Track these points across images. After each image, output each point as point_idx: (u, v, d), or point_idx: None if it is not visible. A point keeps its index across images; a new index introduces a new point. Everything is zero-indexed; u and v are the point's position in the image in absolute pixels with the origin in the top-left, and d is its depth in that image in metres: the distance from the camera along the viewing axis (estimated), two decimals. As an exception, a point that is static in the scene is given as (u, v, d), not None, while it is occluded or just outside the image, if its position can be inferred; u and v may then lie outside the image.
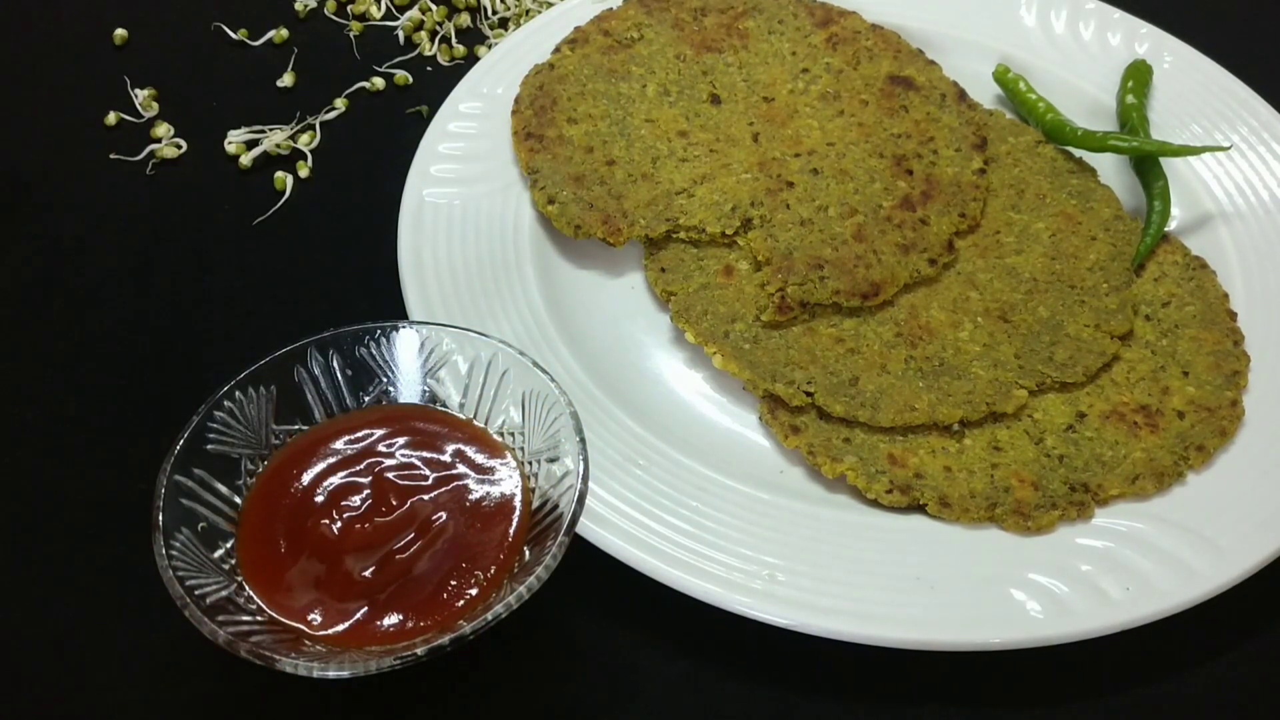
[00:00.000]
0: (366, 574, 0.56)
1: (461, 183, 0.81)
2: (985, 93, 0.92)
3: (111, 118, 0.90)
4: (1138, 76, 0.91)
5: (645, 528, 0.64)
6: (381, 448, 0.61)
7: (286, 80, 0.94)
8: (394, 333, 0.65)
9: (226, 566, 0.57)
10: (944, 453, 0.69)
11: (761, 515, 0.66)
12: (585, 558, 0.62)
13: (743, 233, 0.78)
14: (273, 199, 0.86)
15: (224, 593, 0.55)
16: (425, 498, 0.59)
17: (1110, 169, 0.87)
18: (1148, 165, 0.85)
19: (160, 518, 0.55)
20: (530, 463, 0.62)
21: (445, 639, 0.53)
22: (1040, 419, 0.72)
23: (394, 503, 0.59)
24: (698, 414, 0.73)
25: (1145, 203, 0.84)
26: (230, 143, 0.89)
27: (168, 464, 0.57)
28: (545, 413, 0.61)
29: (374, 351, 0.65)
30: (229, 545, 0.58)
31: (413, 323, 0.66)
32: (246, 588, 0.56)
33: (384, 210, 0.80)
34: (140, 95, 0.91)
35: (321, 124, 0.91)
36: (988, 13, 0.98)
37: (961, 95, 0.87)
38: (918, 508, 0.67)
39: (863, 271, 0.76)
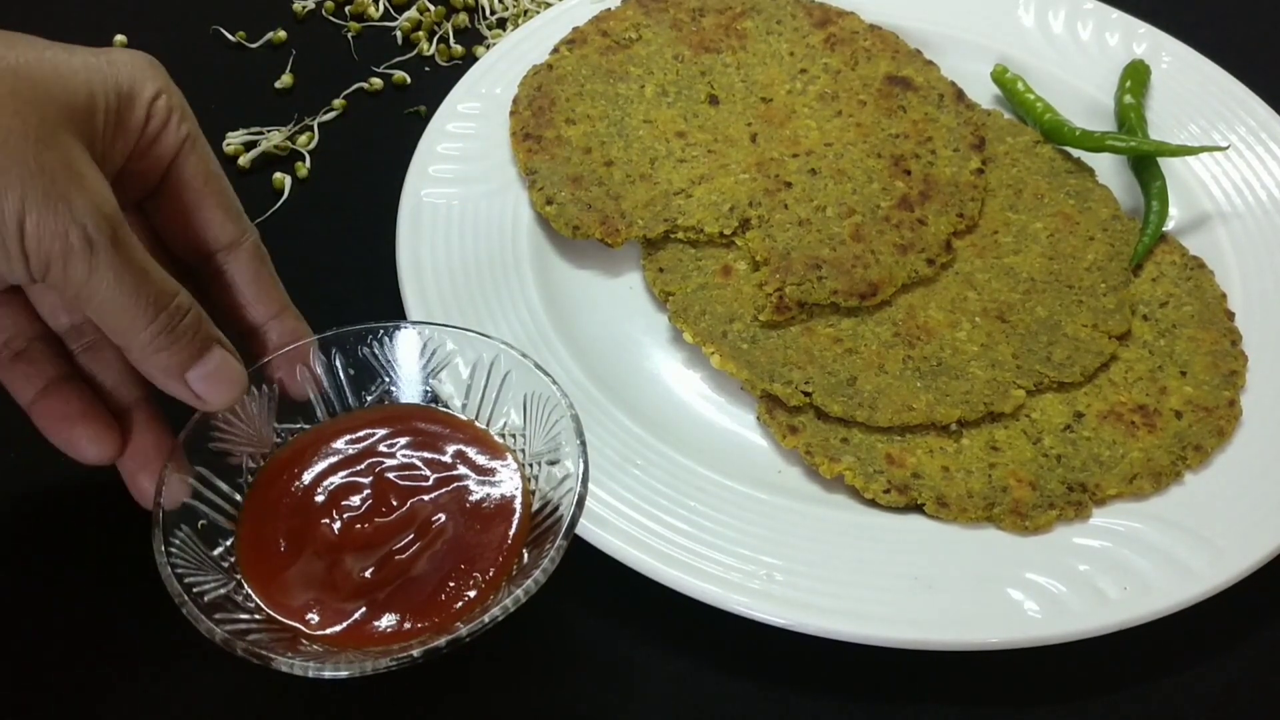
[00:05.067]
0: (365, 574, 0.56)
1: (459, 183, 0.82)
2: (983, 93, 0.92)
3: (110, 119, 0.90)
4: (1136, 76, 0.91)
5: (643, 527, 0.64)
6: (383, 448, 0.61)
7: (285, 81, 0.95)
8: (397, 332, 0.65)
9: (225, 564, 0.57)
10: (942, 453, 0.69)
11: (759, 515, 0.66)
12: (583, 557, 0.62)
13: (741, 233, 0.79)
14: (271, 199, 0.86)
15: (222, 590, 0.55)
16: (425, 498, 0.59)
17: (1108, 169, 0.87)
18: (1145, 165, 0.85)
19: (160, 514, 0.55)
20: (531, 465, 0.62)
21: (441, 641, 0.53)
22: (1038, 419, 0.72)
23: (394, 503, 0.59)
24: (696, 414, 0.73)
25: (1143, 202, 0.84)
26: (229, 144, 0.89)
27: (168, 460, 0.57)
28: (547, 415, 0.61)
29: (377, 351, 0.65)
30: (228, 543, 0.58)
31: (415, 323, 0.66)
32: (245, 586, 0.56)
33: (382, 210, 0.80)
34: (139, 96, 0.91)
35: (320, 125, 0.91)
36: (986, 13, 0.98)
37: (959, 95, 0.87)
38: (915, 507, 0.67)
39: (860, 271, 0.76)
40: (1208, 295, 0.78)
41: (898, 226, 0.79)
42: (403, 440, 0.62)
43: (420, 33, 0.99)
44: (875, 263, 0.77)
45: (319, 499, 0.59)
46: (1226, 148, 0.86)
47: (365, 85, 0.95)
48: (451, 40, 0.99)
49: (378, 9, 1.01)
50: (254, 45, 0.98)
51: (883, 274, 0.76)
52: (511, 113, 0.86)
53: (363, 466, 0.60)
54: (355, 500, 0.59)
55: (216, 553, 0.57)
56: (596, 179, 0.81)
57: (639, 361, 0.76)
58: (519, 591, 0.54)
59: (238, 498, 0.60)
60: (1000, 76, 0.92)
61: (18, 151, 0.48)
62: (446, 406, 0.64)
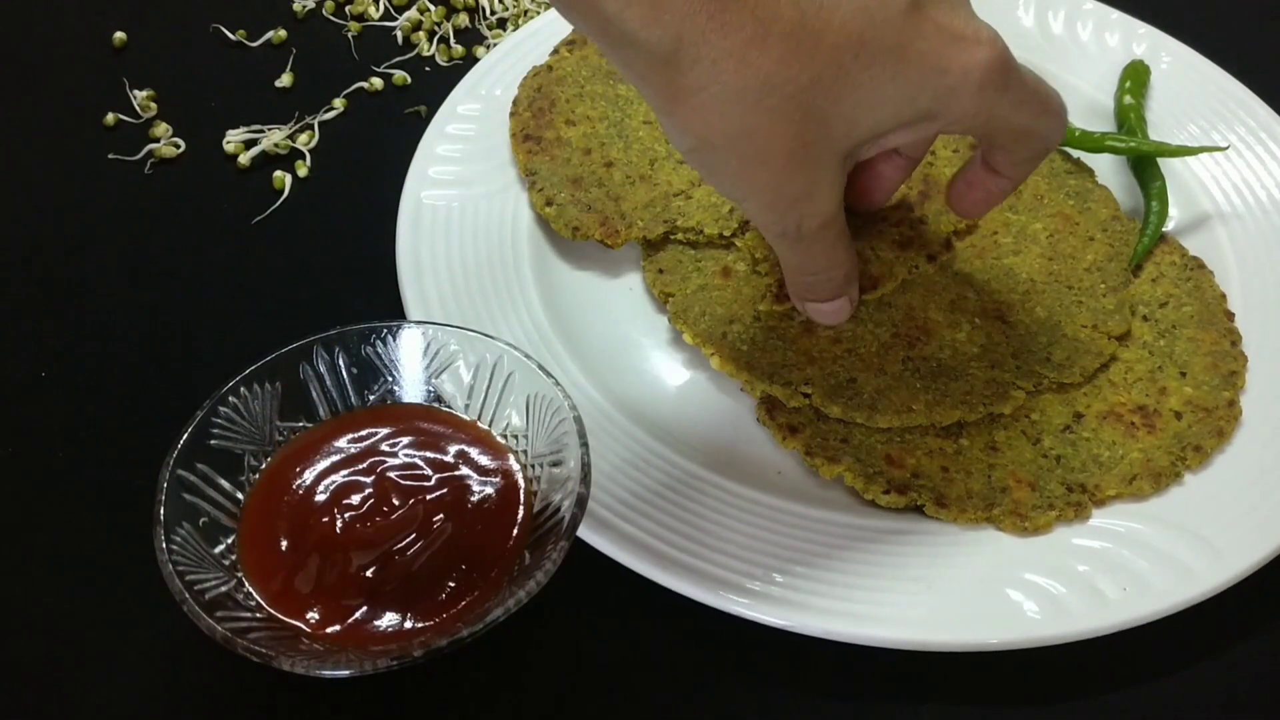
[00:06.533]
0: (367, 573, 0.57)
1: (459, 184, 0.82)
2: (983, 94, 0.92)
3: (110, 118, 0.90)
4: (1135, 77, 0.92)
5: (643, 528, 0.64)
6: (385, 447, 0.62)
7: (285, 80, 0.95)
8: (400, 332, 0.65)
9: (227, 562, 0.57)
10: (941, 453, 0.69)
11: (759, 517, 0.66)
12: (583, 559, 0.62)
13: (740, 234, 0.78)
14: (271, 198, 0.86)
15: (223, 588, 0.55)
16: (427, 498, 0.59)
17: (1108, 169, 0.87)
18: (1145, 166, 0.86)
19: (162, 512, 0.55)
20: (533, 465, 0.62)
21: (443, 641, 0.53)
22: (1038, 419, 0.72)
23: (395, 502, 0.59)
24: (696, 415, 0.73)
25: (1143, 203, 0.84)
26: (229, 142, 0.89)
27: (171, 458, 0.57)
28: (549, 416, 0.62)
29: (380, 350, 0.65)
30: (230, 541, 0.58)
31: (419, 323, 0.66)
32: (246, 584, 0.56)
33: (382, 210, 0.80)
34: (139, 96, 0.91)
35: (320, 124, 0.91)
36: (985, 13, 0.97)
37: (959, 96, 0.87)
38: (915, 508, 0.67)
39: (860, 266, 0.76)
40: (1207, 295, 0.78)
41: (897, 225, 0.79)
42: (405, 440, 0.62)
43: (420, 33, 0.99)
44: (875, 258, 0.76)
45: (321, 498, 0.59)
46: (1226, 148, 0.86)
47: (365, 85, 0.95)
48: (452, 40, 1.00)
49: (378, 9, 1.01)
50: (254, 44, 0.98)
51: (882, 268, 0.76)
52: (511, 114, 0.86)
53: (365, 466, 0.60)
54: (357, 499, 0.59)
55: (218, 550, 0.57)
56: (596, 180, 0.81)
57: (639, 363, 0.76)
58: (520, 593, 0.54)
59: (239, 496, 0.60)
60: (1000, 77, 0.92)
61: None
62: (449, 407, 0.64)
